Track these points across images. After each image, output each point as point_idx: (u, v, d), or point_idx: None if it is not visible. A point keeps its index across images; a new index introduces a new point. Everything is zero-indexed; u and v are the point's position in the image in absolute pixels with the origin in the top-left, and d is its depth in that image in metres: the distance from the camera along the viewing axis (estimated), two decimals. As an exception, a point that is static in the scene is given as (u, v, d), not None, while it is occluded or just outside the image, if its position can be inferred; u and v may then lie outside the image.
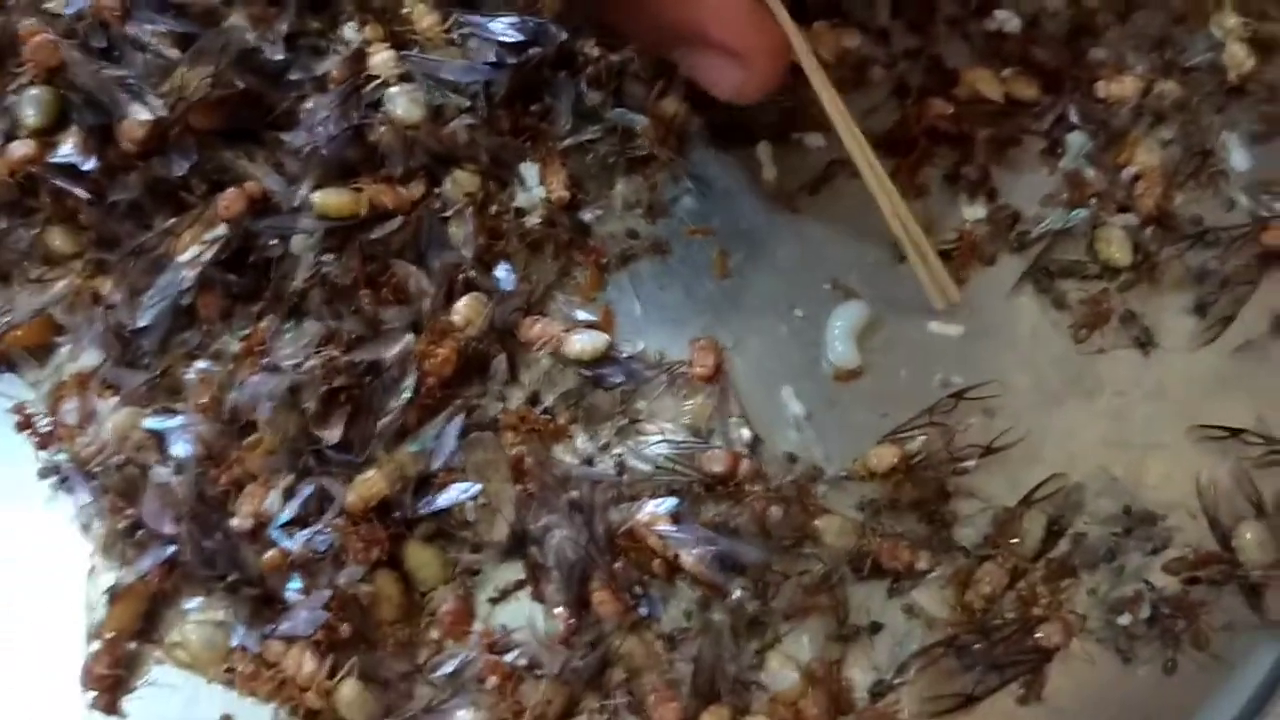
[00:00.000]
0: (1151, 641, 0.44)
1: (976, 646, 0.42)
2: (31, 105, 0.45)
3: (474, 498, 0.42)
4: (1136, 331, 0.48)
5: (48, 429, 0.43)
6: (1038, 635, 0.42)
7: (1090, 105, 0.51)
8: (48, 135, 0.45)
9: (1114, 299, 0.48)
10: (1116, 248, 0.49)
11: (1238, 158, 0.51)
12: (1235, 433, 0.46)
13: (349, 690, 0.40)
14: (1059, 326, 0.48)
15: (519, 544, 0.43)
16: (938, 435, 0.45)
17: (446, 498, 0.42)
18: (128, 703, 0.42)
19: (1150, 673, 0.44)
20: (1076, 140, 0.51)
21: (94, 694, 0.41)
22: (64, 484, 0.43)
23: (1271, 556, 0.44)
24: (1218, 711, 0.43)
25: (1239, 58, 0.52)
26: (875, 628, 0.43)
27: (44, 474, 0.43)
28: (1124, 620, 0.43)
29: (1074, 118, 0.51)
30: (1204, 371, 0.48)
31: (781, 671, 0.41)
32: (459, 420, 0.43)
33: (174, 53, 0.44)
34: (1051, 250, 0.49)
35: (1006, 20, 0.52)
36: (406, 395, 0.42)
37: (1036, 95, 0.51)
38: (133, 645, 0.42)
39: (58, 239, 0.46)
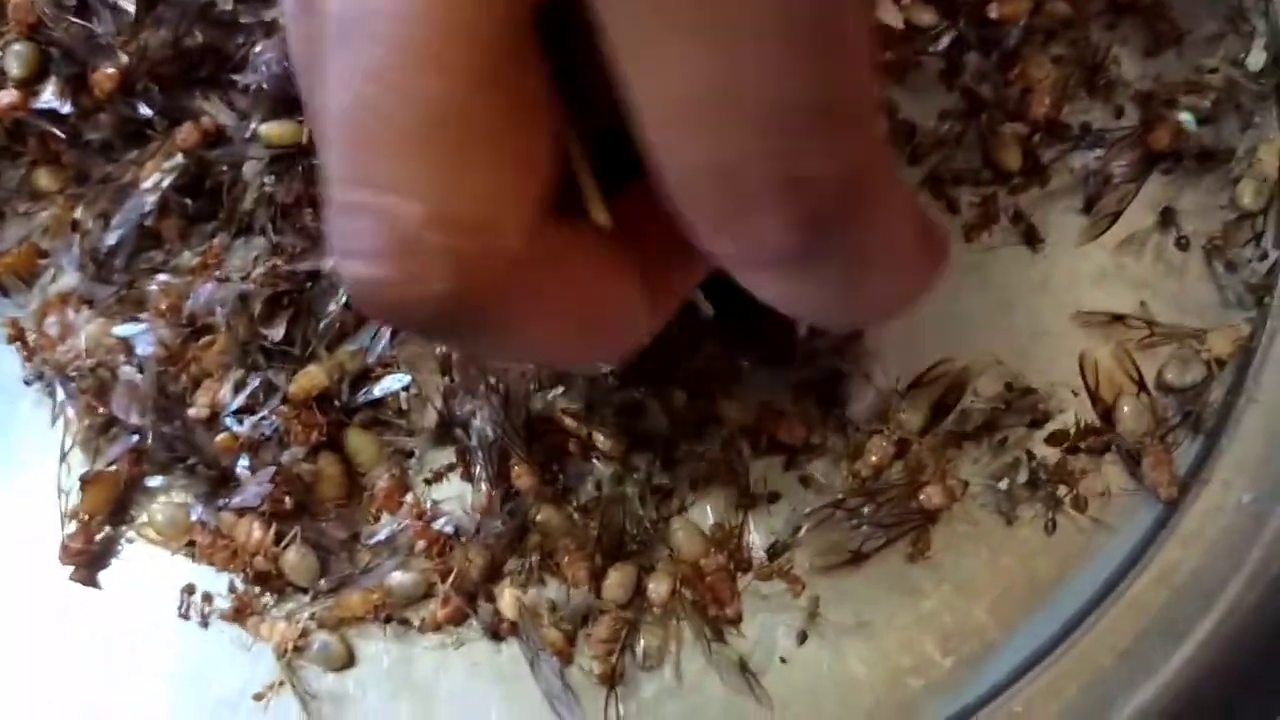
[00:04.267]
0: (1033, 504, 0.47)
1: (864, 509, 0.46)
2: (15, 59, 0.50)
3: (405, 388, 0.47)
4: (1024, 230, 0.52)
5: (34, 341, 0.49)
6: (920, 498, 0.46)
7: (983, 27, 0.55)
8: (31, 85, 0.51)
9: (1003, 201, 0.52)
10: (1007, 154, 0.52)
11: (1128, 69, 0.55)
12: (1118, 318, 0.50)
13: (292, 555, 0.45)
14: (952, 229, 0.52)
15: (447, 429, 0.47)
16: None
17: (381, 388, 0.47)
18: (102, 576, 0.47)
19: (1032, 534, 0.47)
20: (971, 59, 0.54)
21: (72, 568, 0.46)
22: (47, 388, 0.48)
23: (1148, 426, 0.48)
24: (1095, 569, 0.47)
25: (1129, -23, 0.55)
26: (773, 497, 0.47)
27: (29, 380, 0.49)
28: (1004, 485, 0.47)
29: (969, 39, 0.55)
30: (1089, 265, 0.51)
31: (684, 533, 0.46)
32: (392, 321, 0.48)
33: (134, 8, 0.50)
34: (948, 160, 0.53)
35: (906, -47, 0.56)
36: (343, 300, 0.47)
37: (934, 20, 0.55)
38: (106, 527, 0.47)
39: (43, 178, 0.51)
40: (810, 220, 0.23)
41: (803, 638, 0.45)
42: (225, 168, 0.49)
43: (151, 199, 0.48)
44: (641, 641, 0.45)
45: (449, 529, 0.46)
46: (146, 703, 0.45)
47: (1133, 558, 0.46)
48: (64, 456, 0.47)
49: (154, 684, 0.46)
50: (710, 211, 0.23)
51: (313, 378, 0.46)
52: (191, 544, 0.46)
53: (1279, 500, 0.47)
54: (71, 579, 0.46)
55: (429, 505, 0.46)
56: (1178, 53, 0.55)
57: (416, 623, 0.45)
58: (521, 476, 0.45)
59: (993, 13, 0.54)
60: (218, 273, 0.47)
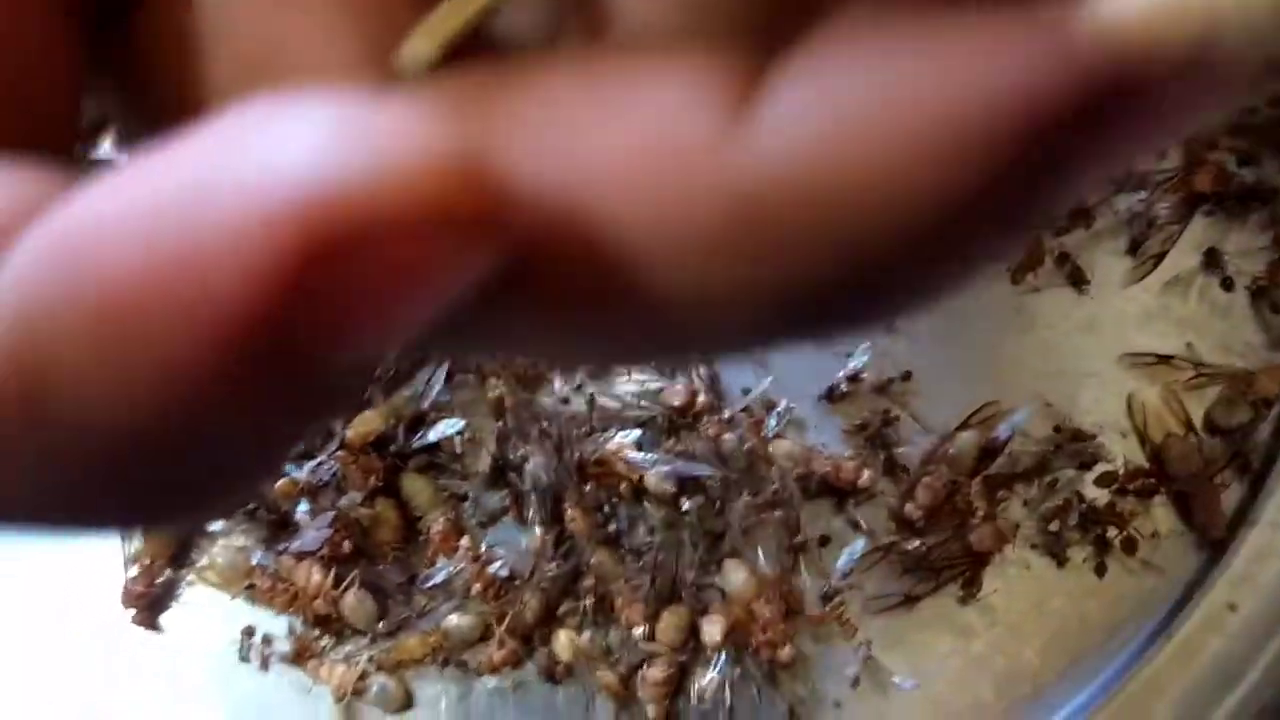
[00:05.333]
0: (1084, 547, 0.47)
1: (914, 551, 0.46)
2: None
3: (460, 433, 0.48)
4: (1070, 271, 0.52)
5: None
6: (971, 540, 0.46)
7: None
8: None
9: (1049, 242, 0.52)
10: (1050, 196, 0.53)
11: (1169, 111, 0.55)
12: (1164, 358, 0.50)
13: (351, 598, 0.45)
14: (996, 271, 0.52)
15: (501, 473, 0.48)
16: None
17: (435, 432, 0.47)
18: (164, 619, 0.47)
19: (1082, 576, 0.47)
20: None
21: (134, 611, 0.47)
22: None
23: (1196, 467, 0.48)
24: (1146, 611, 0.47)
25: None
26: (824, 540, 0.47)
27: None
28: (1055, 527, 0.47)
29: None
30: (1135, 306, 0.52)
31: (736, 576, 0.46)
32: (446, 366, 0.49)
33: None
34: (991, 202, 0.53)
35: None
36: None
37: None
38: (167, 571, 0.48)
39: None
40: None
41: (855, 681, 0.46)
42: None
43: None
44: (696, 684, 0.45)
45: (504, 572, 0.46)
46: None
47: (1183, 600, 0.47)
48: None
49: (213, 726, 0.46)
50: None
51: (369, 423, 0.47)
52: (251, 587, 0.46)
53: (1330, 542, 0.47)
54: (133, 622, 0.47)
55: (484, 548, 0.47)
56: (1219, 93, 0.55)
57: (473, 665, 0.46)
58: (574, 519, 0.46)
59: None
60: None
